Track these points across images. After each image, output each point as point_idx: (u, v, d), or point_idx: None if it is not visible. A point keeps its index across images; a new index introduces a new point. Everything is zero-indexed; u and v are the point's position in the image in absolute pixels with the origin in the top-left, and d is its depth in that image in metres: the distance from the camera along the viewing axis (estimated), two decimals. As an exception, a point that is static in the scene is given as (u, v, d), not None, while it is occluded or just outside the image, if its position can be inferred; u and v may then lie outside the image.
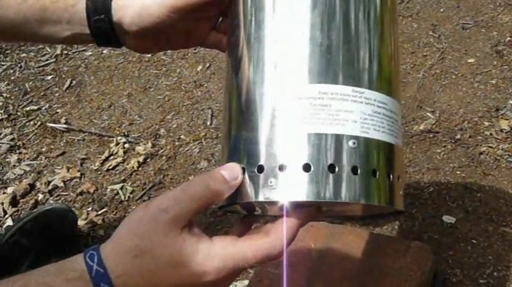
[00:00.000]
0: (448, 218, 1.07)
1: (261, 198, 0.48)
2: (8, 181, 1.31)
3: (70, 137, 1.40)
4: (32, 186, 1.28)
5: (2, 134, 1.45)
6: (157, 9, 0.59)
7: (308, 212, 0.51)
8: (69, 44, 0.72)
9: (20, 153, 1.38)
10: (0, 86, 1.63)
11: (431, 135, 1.23)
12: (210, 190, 0.48)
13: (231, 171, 0.49)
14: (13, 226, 1.07)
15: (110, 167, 1.28)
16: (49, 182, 1.28)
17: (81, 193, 1.24)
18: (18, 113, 1.51)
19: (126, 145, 1.33)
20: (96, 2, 0.63)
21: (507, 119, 1.24)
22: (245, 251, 0.48)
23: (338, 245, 0.92)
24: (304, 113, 0.47)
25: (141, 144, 1.32)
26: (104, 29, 0.63)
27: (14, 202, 1.24)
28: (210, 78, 1.49)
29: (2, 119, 1.50)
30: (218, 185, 0.48)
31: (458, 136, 1.22)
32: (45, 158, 1.35)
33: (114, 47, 0.70)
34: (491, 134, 1.22)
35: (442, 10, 1.59)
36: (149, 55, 1.58)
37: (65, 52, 1.70)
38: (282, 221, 0.49)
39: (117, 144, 1.33)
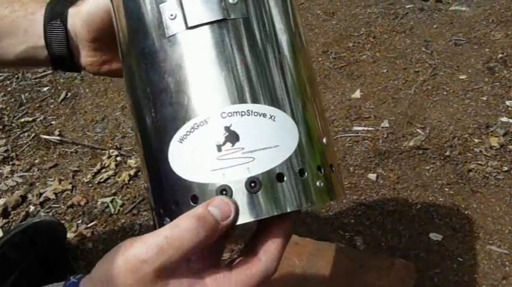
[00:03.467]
0: (435, 236, 1.07)
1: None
2: (0, 192, 1.31)
3: (63, 149, 1.41)
4: (23, 198, 1.29)
5: (-4, 146, 1.46)
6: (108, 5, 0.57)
7: (289, 222, 0.49)
8: (19, 66, 0.71)
9: (13, 164, 1.39)
10: (-3, 97, 1.64)
11: (420, 152, 1.24)
12: (199, 237, 0.43)
13: (223, 207, 0.44)
14: (1, 238, 1.07)
15: (101, 180, 1.29)
16: (41, 194, 1.28)
17: (71, 206, 1.24)
18: (13, 125, 1.52)
19: (118, 158, 1.34)
20: (54, 8, 0.63)
21: (497, 137, 1.25)
22: (241, 283, 0.45)
23: (322, 262, 0.92)
24: None
25: (132, 157, 1.33)
26: (58, 37, 0.63)
27: (5, 213, 1.25)
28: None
29: (-4, 130, 1.51)
30: (209, 230, 0.43)
31: (447, 153, 1.22)
32: (38, 170, 1.36)
33: (68, 69, 0.68)
34: (480, 151, 1.22)
35: (435, 26, 1.60)
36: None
37: (61, 64, 1.71)
38: (267, 239, 0.47)
39: (109, 157, 1.34)
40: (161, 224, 0.50)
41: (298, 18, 0.54)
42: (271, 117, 0.47)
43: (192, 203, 0.46)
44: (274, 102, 0.47)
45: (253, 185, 0.45)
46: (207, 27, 0.47)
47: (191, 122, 0.46)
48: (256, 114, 0.46)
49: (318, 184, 0.48)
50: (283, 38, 0.50)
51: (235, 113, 0.46)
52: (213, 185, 0.46)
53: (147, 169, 0.51)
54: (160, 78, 0.48)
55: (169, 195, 0.48)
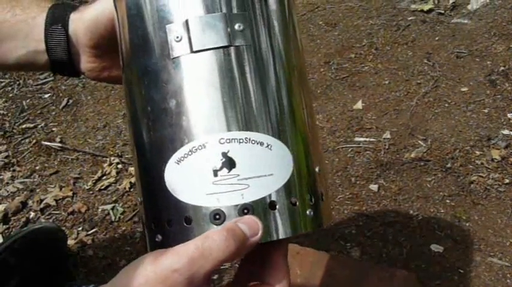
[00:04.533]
0: (436, 247, 1.07)
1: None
2: (0, 198, 1.31)
3: (64, 156, 1.41)
4: (24, 204, 1.28)
5: (-3, 151, 1.46)
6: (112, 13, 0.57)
7: (285, 247, 0.50)
8: (19, 70, 0.70)
9: (14, 170, 1.39)
10: (-2, 103, 1.64)
11: (422, 164, 1.24)
12: (229, 249, 0.44)
13: (251, 225, 0.45)
14: (1, 244, 1.07)
15: (102, 187, 1.29)
16: (41, 201, 1.28)
17: (72, 213, 1.24)
18: (14, 131, 1.52)
19: (119, 166, 1.34)
20: (55, 12, 0.63)
21: (498, 149, 1.25)
22: None
23: (323, 272, 0.92)
24: None
25: (131, 158, 1.33)
26: (58, 42, 0.63)
27: (5, 219, 1.25)
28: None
29: (-3, 136, 1.51)
30: (238, 243, 0.44)
31: (449, 165, 1.23)
32: (39, 176, 1.36)
33: (68, 73, 0.68)
34: (482, 164, 1.22)
35: (437, 39, 1.60)
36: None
37: (64, 71, 1.71)
38: (274, 267, 0.49)
39: (110, 164, 1.34)
40: (152, 239, 0.50)
41: (301, 49, 0.54)
42: (267, 146, 0.47)
43: (185, 224, 0.47)
44: (272, 131, 0.48)
45: (246, 211, 0.46)
46: (211, 52, 0.48)
47: (189, 145, 0.47)
48: (253, 142, 0.47)
49: (307, 212, 0.49)
50: (285, 68, 0.51)
51: (233, 140, 0.47)
52: (207, 208, 0.46)
53: (142, 185, 0.52)
54: (162, 99, 0.48)
55: (162, 213, 0.49)
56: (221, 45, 0.47)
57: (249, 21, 0.49)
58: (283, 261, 0.49)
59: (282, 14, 0.52)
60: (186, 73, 0.48)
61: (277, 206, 0.47)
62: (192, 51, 0.48)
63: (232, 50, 0.48)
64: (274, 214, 0.47)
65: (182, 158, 0.47)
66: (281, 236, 0.47)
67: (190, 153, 0.47)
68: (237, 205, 0.46)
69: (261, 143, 0.47)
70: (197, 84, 0.48)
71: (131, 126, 0.52)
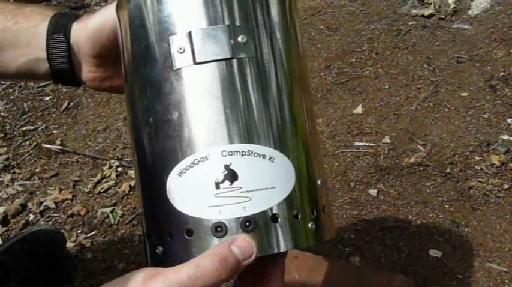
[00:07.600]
0: (434, 252, 1.07)
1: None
2: (0, 200, 1.31)
3: (64, 158, 1.41)
4: (23, 206, 1.29)
5: (-3, 153, 1.46)
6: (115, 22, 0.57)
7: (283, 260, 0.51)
8: (19, 78, 0.70)
9: (14, 173, 1.39)
10: (-1, 105, 1.65)
11: (421, 169, 1.24)
12: (220, 278, 0.44)
13: (245, 248, 0.45)
14: (0, 246, 1.07)
15: (102, 190, 1.29)
16: (41, 203, 1.28)
17: (71, 215, 1.24)
18: (15, 133, 1.52)
19: (119, 169, 1.34)
20: (58, 21, 0.63)
21: (498, 154, 1.25)
22: None
23: (321, 277, 0.92)
24: None
25: (133, 168, 1.33)
26: (60, 50, 0.63)
27: (4, 221, 1.25)
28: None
29: (-2, 138, 1.51)
30: (229, 271, 0.44)
31: (448, 170, 1.23)
32: (39, 178, 1.36)
33: (69, 83, 0.68)
34: (481, 169, 1.22)
35: (437, 44, 1.60)
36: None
37: (65, 74, 1.72)
38: (268, 282, 0.49)
39: (110, 167, 1.34)
40: (153, 251, 0.50)
41: (303, 57, 0.54)
42: (270, 158, 0.47)
43: (186, 236, 0.47)
44: (274, 144, 0.48)
45: (248, 224, 0.46)
46: (214, 64, 0.48)
47: (192, 157, 0.47)
48: (256, 155, 0.47)
49: (309, 225, 0.49)
50: (288, 81, 0.51)
51: (235, 153, 0.47)
52: (209, 220, 0.46)
53: (143, 196, 0.52)
54: (165, 110, 0.48)
55: (164, 225, 0.49)
56: (224, 57, 0.47)
57: (252, 33, 0.49)
58: (280, 277, 0.49)
59: (285, 25, 0.51)
60: (189, 85, 0.48)
61: (279, 219, 0.47)
62: (195, 63, 0.47)
63: (235, 62, 0.48)
64: (276, 227, 0.47)
65: (184, 170, 0.47)
66: (282, 249, 0.47)
67: (192, 165, 0.47)
68: (239, 218, 0.46)
69: (263, 156, 0.47)
70: (200, 96, 0.48)
71: (133, 136, 0.52)
